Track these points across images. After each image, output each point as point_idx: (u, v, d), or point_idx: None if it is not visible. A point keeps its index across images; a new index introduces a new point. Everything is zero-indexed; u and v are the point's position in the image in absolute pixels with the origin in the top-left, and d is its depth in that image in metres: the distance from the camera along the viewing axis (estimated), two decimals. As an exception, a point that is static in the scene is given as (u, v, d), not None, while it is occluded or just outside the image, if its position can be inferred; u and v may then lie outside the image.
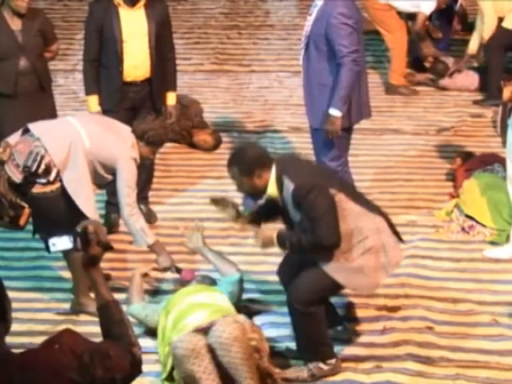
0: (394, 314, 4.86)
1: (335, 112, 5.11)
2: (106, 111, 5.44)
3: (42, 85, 5.73)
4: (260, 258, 5.42)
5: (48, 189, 4.56)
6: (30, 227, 5.67)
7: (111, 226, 5.65)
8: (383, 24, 7.68)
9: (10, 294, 5.29)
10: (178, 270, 4.87)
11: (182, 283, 4.81)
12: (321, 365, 4.29)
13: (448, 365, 4.46)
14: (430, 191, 6.19)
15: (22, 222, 2.97)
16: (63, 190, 4.58)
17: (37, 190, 4.56)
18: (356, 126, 7.13)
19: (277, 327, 4.76)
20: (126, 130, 4.83)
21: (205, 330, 4.03)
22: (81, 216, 4.60)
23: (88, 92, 5.57)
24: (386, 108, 7.51)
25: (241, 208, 4.21)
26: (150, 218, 5.63)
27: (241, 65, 8.40)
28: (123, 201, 4.65)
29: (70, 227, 4.68)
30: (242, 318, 4.18)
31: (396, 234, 4.22)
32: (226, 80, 8.21)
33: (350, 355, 4.51)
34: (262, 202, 4.29)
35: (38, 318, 4.84)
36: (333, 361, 4.32)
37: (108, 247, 2.51)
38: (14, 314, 5.05)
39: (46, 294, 4.95)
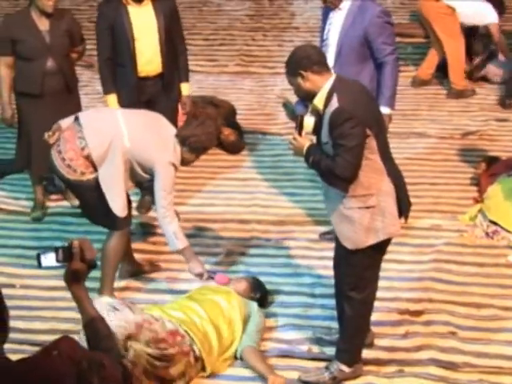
0: (417, 319, 4.83)
1: (387, 110, 5.03)
2: (125, 107, 5.49)
3: (68, 85, 5.76)
4: (283, 260, 5.43)
5: (84, 177, 4.66)
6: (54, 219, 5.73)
7: (142, 207, 5.92)
8: (445, 28, 7.57)
9: (34, 292, 5.38)
10: (212, 276, 4.84)
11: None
12: (343, 367, 4.27)
13: (471, 370, 4.42)
14: (455, 195, 6.15)
15: None
16: (97, 183, 4.66)
17: (73, 176, 4.67)
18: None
19: (298, 329, 4.75)
20: (170, 132, 4.84)
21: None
22: (107, 211, 4.65)
23: (106, 91, 5.66)
24: (410, 111, 7.47)
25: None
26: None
27: (265, 67, 8.40)
28: (158, 203, 4.70)
29: (102, 218, 4.80)
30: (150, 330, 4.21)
31: (400, 209, 4.08)
32: (251, 82, 8.21)
33: (371, 359, 4.48)
34: (308, 111, 4.14)
35: (60, 317, 4.86)
36: (354, 367, 4.30)
37: (92, 266, 2.49)
38: (38, 312, 5.13)
39: (69, 293, 4.96)
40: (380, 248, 4.10)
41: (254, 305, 4.71)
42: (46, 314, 4.94)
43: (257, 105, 7.70)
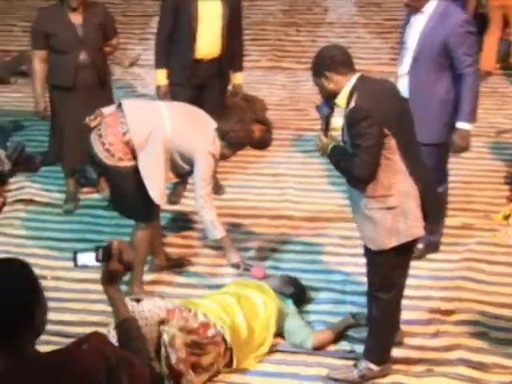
0: (448, 318, 4.79)
1: (466, 126, 4.88)
2: (174, 84, 5.60)
3: (101, 78, 5.79)
4: (313, 256, 5.41)
5: (122, 164, 4.68)
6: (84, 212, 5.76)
7: (175, 196, 5.98)
8: None
9: (66, 284, 5.41)
10: (248, 268, 4.86)
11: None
12: (371, 366, 4.25)
13: (502, 372, 4.37)
14: (488, 194, 6.09)
15: None
16: (136, 170, 4.68)
17: (110, 161, 4.69)
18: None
19: (324, 325, 4.73)
20: (210, 125, 4.85)
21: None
22: (147, 199, 4.67)
23: (157, 65, 5.73)
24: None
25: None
26: (217, 189, 5.82)
27: (298, 62, 8.38)
28: (197, 192, 4.72)
29: (130, 208, 4.82)
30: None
31: (425, 212, 3.99)
32: (283, 77, 8.20)
33: (401, 357, 4.45)
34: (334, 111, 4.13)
35: (91, 309, 4.89)
36: (383, 366, 4.28)
37: (129, 267, 2.50)
38: (69, 304, 5.15)
39: (100, 285, 4.99)
40: (405, 249, 4.03)
41: (290, 303, 4.69)
42: (76, 306, 4.97)
43: (289, 100, 7.69)
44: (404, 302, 4.83)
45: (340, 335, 4.60)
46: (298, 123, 7.20)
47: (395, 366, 4.37)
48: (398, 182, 3.87)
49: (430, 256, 5.33)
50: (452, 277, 5.15)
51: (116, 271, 2.45)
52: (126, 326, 2.43)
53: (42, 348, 4.52)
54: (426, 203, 3.97)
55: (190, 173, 4.81)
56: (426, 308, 4.87)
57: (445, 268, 5.24)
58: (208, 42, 5.63)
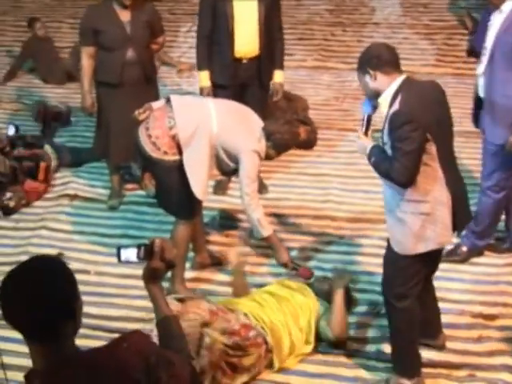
0: (491, 323, 4.74)
1: None
2: (216, 85, 5.61)
3: (147, 75, 5.83)
4: (355, 257, 5.39)
5: (166, 157, 4.70)
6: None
7: (220, 188, 6.03)
8: None
9: (109, 280, 5.46)
10: (296, 268, 4.85)
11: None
12: (402, 381, 4.14)
13: (545, 378, 4.31)
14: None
15: (41, 176, 3.05)
16: (180, 165, 4.70)
17: (156, 154, 4.71)
18: (459, 129, 6.99)
19: (367, 328, 4.71)
20: (257, 124, 4.86)
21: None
22: (190, 195, 4.69)
23: (200, 68, 5.75)
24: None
25: None
26: (261, 189, 5.80)
27: (344, 62, 8.35)
28: (243, 190, 4.73)
29: (172, 203, 4.84)
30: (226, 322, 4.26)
31: (455, 222, 3.93)
32: (329, 77, 8.18)
33: (443, 361, 4.42)
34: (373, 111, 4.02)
35: (133, 305, 4.93)
36: (415, 380, 4.16)
37: (171, 265, 2.51)
38: (111, 299, 5.20)
39: (142, 281, 5.03)
40: (429, 258, 3.96)
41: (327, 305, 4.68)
42: (119, 301, 5.01)
43: (334, 100, 7.66)
44: (447, 305, 4.82)
45: (347, 304, 4.63)
46: (343, 123, 7.17)
47: (437, 370, 4.34)
48: (434, 189, 3.81)
49: (474, 260, 5.27)
50: (496, 281, 5.09)
51: (158, 269, 2.46)
52: (167, 324, 2.43)
53: (84, 342, 4.54)
54: (457, 213, 3.90)
55: (235, 171, 4.82)
56: (468, 312, 4.82)
57: (489, 272, 5.18)
58: (246, 41, 5.63)
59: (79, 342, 2.27)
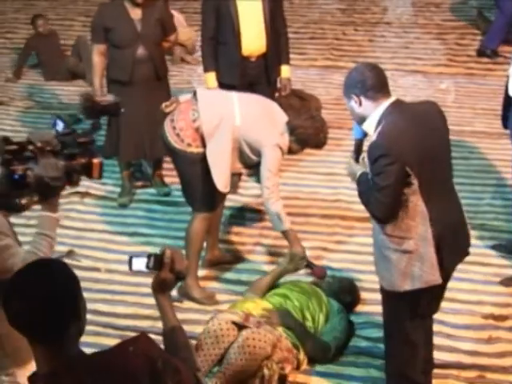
0: (502, 324, 4.72)
1: None
2: (224, 85, 5.59)
3: (158, 73, 5.83)
4: (366, 257, 5.36)
5: (190, 149, 4.73)
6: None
7: (230, 186, 5.95)
8: None
9: (119, 277, 5.45)
10: (310, 265, 4.85)
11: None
12: None
13: (556, 380, 4.30)
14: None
15: (95, 173, 3.03)
16: (203, 158, 4.71)
17: (179, 146, 4.75)
18: (471, 129, 7.02)
19: (378, 327, 4.69)
20: (281, 118, 4.87)
21: (239, 327, 4.27)
22: (211, 188, 4.70)
23: (206, 69, 5.74)
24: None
25: None
26: (234, 187, 5.77)
27: (355, 62, 8.29)
28: (264, 183, 4.74)
29: (193, 195, 4.85)
30: (284, 345, 4.25)
31: (441, 258, 3.61)
32: (340, 76, 8.11)
33: (453, 362, 4.41)
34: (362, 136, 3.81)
35: (143, 303, 4.92)
36: None
37: (181, 277, 2.49)
38: (122, 297, 5.20)
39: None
40: (422, 298, 3.68)
41: (335, 306, 4.67)
42: (129, 298, 5.02)
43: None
44: (457, 306, 4.82)
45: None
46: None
47: (447, 371, 4.33)
48: (418, 225, 3.56)
49: (485, 260, 5.26)
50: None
51: (167, 280, 2.44)
52: (174, 334, 2.42)
53: (94, 339, 4.57)
54: (445, 250, 3.62)
55: (258, 164, 4.82)
56: (479, 313, 4.81)
57: (499, 273, 5.16)
58: (253, 39, 5.64)
59: (89, 340, 2.29)
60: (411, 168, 3.45)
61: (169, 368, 2.18)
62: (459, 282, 5.02)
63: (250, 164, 4.96)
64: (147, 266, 2.46)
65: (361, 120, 3.65)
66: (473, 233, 5.43)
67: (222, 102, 4.85)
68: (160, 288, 2.45)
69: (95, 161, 3.03)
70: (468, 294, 4.94)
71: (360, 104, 3.59)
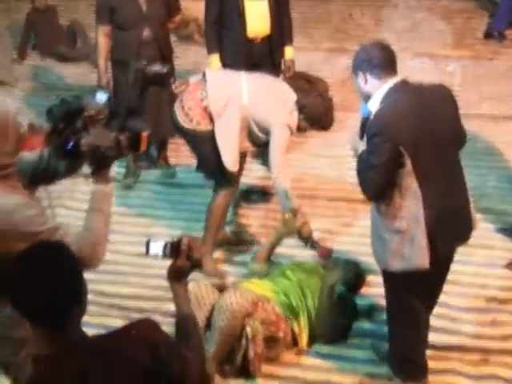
0: (505, 307, 4.72)
1: None
2: (230, 67, 5.58)
3: (163, 54, 5.82)
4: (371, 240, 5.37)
5: (199, 128, 4.76)
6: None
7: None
8: None
9: (124, 258, 5.45)
10: (315, 245, 4.87)
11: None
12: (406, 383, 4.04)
13: (560, 362, 4.30)
14: None
15: (142, 147, 2.95)
16: (212, 136, 4.73)
17: (188, 125, 4.78)
18: (476, 112, 6.99)
19: (383, 310, 4.70)
20: (290, 97, 4.87)
21: (220, 289, 4.36)
22: (222, 165, 4.72)
23: (210, 51, 5.74)
24: (508, 94, 7.25)
25: None
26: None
27: (361, 44, 8.28)
28: (272, 162, 4.76)
29: (212, 170, 4.85)
30: (263, 307, 4.28)
31: (435, 241, 3.61)
32: (346, 59, 8.08)
33: (456, 345, 4.41)
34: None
35: (149, 284, 4.94)
36: (423, 379, 4.02)
37: (198, 265, 2.45)
38: (126, 278, 5.21)
39: (157, 261, 5.04)
40: (414, 277, 3.68)
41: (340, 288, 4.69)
42: (134, 280, 5.03)
43: (351, 82, 7.59)
44: (461, 289, 4.82)
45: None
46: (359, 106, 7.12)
47: (450, 354, 4.34)
48: (411, 205, 3.56)
49: (489, 243, 5.26)
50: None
51: (183, 268, 2.42)
52: (186, 323, 2.40)
53: (99, 320, 4.56)
54: (438, 234, 3.61)
55: (266, 143, 4.82)
56: (482, 296, 4.81)
57: (503, 256, 5.16)
58: (257, 20, 5.64)
59: (94, 321, 2.29)
60: (405, 148, 3.47)
61: (174, 353, 2.17)
62: (463, 265, 5.02)
63: (258, 143, 4.97)
64: (164, 253, 2.42)
65: (367, 98, 3.68)
66: (477, 216, 5.46)
67: (230, 81, 4.86)
68: (176, 276, 2.42)
69: (144, 134, 2.96)
70: (472, 277, 4.95)
71: (366, 82, 3.63)
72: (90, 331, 2.24)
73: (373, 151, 3.52)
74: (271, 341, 4.26)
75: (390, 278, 3.82)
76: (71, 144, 2.80)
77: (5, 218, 2.64)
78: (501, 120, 6.80)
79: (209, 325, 4.21)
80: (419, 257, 3.61)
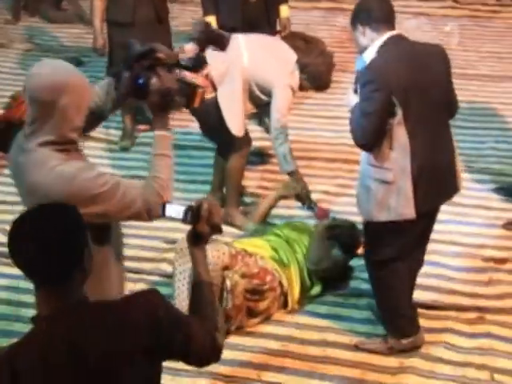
0: (501, 266, 4.74)
1: None
2: (227, 28, 5.52)
3: (159, 15, 5.77)
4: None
5: None
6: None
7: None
8: None
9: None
10: (312, 206, 4.88)
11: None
12: (397, 341, 4.06)
13: (555, 320, 4.33)
14: None
15: (196, 102, 2.91)
16: (216, 102, 4.72)
17: None
18: (475, 72, 6.96)
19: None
20: (291, 57, 4.84)
21: None
22: (227, 131, 4.71)
23: (206, 13, 5.71)
24: (506, 54, 7.22)
25: None
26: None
27: (359, 3, 8.23)
28: (272, 124, 4.77)
29: (220, 137, 4.83)
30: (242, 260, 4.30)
31: (418, 193, 3.63)
32: (343, 19, 8.04)
33: (452, 304, 4.43)
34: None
35: (145, 245, 4.95)
36: (412, 338, 4.04)
37: (218, 230, 2.42)
38: (124, 240, 5.20)
39: (153, 223, 5.05)
40: (398, 229, 3.71)
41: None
42: (131, 241, 5.00)
43: (348, 42, 7.56)
44: (458, 249, 4.84)
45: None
46: (357, 66, 7.09)
47: (446, 313, 4.36)
48: (398, 156, 3.59)
49: (488, 204, 5.26)
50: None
51: (203, 233, 2.39)
52: (201, 290, 2.37)
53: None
54: (423, 186, 3.64)
55: (268, 104, 4.80)
56: (479, 256, 4.82)
57: (501, 216, 5.16)
58: None
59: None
60: (396, 97, 3.51)
61: (175, 324, 2.16)
62: (461, 225, 5.05)
63: (260, 104, 4.95)
64: (184, 220, 2.38)
65: (363, 51, 3.71)
66: (475, 176, 5.50)
67: (229, 45, 4.82)
68: (195, 241, 2.40)
69: (199, 90, 2.92)
70: (469, 237, 4.96)
71: (364, 34, 3.67)
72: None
73: (365, 99, 3.55)
74: (256, 293, 4.25)
75: (371, 230, 3.83)
76: (142, 80, 2.76)
77: (67, 184, 2.61)
78: (499, 80, 6.77)
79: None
80: (406, 206, 3.64)
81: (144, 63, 2.80)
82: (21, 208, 2.64)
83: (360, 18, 3.68)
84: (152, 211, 2.67)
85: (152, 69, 2.78)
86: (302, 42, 5.68)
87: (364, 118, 3.56)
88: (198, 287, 2.38)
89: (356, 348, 4.15)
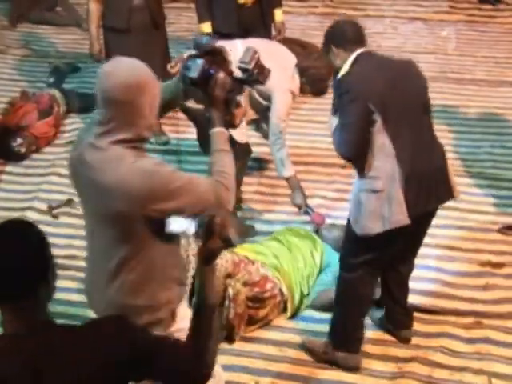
0: (498, 271, 4.75)
1: None
2: (222, 34, 5.51)
3: (155, 20, 5.77)
4: (364, 205, 5.38)
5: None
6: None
7: None
8: None
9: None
10: (309, 212, 4.88)
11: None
12: (335, 352, 4.02)
13: (552, 326, 4.34)
14: None
15: (237, 122, 2.95)
16: None
17: (190, 102, 4.71)
18: (471, 77, 6.97)
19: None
20: (290, 60, 4.83)
21: None
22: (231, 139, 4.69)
23: (201, 20, 5.69)
24: (502, 59, 7.24)
25: None
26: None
27: (356, 9, 8.24)
28: (271, 128, 4.76)
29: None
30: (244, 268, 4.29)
31: (409, 199, 3.62)
32: (340, 24, 8.08)
33: (449, 309, 4.44)
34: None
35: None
36: (349, 355, 3.99)
37: (230, 244, 2.27)
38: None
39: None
40: (390, 237, 3.67)
41: (336, 256, 4.69)
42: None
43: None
44: (455, 253, 4.84)
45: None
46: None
47: (443, 317, 4.36)
48: (385, 164, 3.58)
49: (483, 208, 5.27)
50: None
51: (216, 249, 2.25)
52: (205, 316, 2.22)
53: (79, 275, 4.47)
54: (412, 192, 3.62)
55: (268, 109, 4.80)
56: (476, 260, 4.83)
57: (497, 221, 5.17)
58: None
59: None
60: (373, 104, 3.53)
61: (151, 339, 2.11)
62: (457, 230, 5.05)
63: (259, 109, 4.95)
64: (197, 236, 2.35)
65: (338, 71, 3.77)
66: (471, 181, 5.51)
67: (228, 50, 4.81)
68: (207, 258, 2.25)
69: (242, 109, 2.98)
70: (466, 241, 4.96)
71: (338, 56, 3.75)
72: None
73: (342, 111, 3.58)
74: (257, 301, 4.26)
75: (362, 240, 3.73)
76: (213, 70, 2.83)
77: (148, 179, 2.61)
78: (495, 84, 6.78)
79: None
80: (400, 213, 3.62)
81: (214, 59, 2.88)
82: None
83: (334, 40, 3.76)
84: (222, 205, 2.70)
85: (220, 66, 2.87)
86: (298, 47, 5.69)
87: (344, 131, 3.57)
88: (202, 312, 2.22)
89: (303, 346, 4.15)
